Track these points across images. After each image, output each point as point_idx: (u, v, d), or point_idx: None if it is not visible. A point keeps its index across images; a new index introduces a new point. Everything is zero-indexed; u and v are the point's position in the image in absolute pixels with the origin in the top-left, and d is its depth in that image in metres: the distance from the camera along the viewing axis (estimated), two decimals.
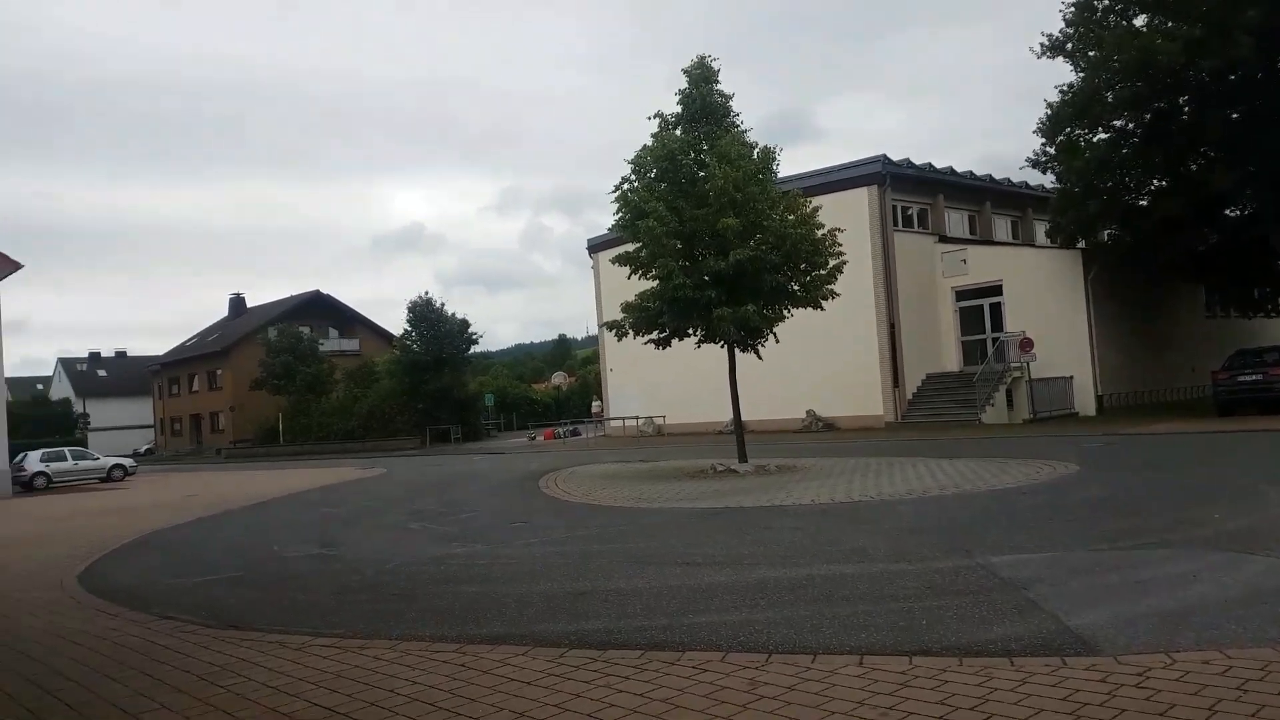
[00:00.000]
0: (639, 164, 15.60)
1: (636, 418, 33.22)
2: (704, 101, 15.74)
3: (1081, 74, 25.06)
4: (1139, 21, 24.09)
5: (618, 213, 15.49)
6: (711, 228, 14.55)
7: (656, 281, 15.13)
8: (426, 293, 45.57)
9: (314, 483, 20.92)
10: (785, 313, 15.23)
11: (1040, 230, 34.00)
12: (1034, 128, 26.61)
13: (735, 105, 15.96)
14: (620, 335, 15.86)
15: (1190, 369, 30.60)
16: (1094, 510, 8.77)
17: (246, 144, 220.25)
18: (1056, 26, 25.40)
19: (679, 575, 6.87)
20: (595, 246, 36.13)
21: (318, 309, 59.70)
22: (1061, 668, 4.14)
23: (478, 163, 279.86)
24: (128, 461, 33.36)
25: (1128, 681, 3.88)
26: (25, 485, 27.68)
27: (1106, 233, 26.89)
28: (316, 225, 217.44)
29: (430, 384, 41.54)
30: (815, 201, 16.20)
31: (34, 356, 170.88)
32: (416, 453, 36.19)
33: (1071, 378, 26.65)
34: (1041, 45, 26.02)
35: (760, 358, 15.46)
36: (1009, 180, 33.43)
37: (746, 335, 14.94)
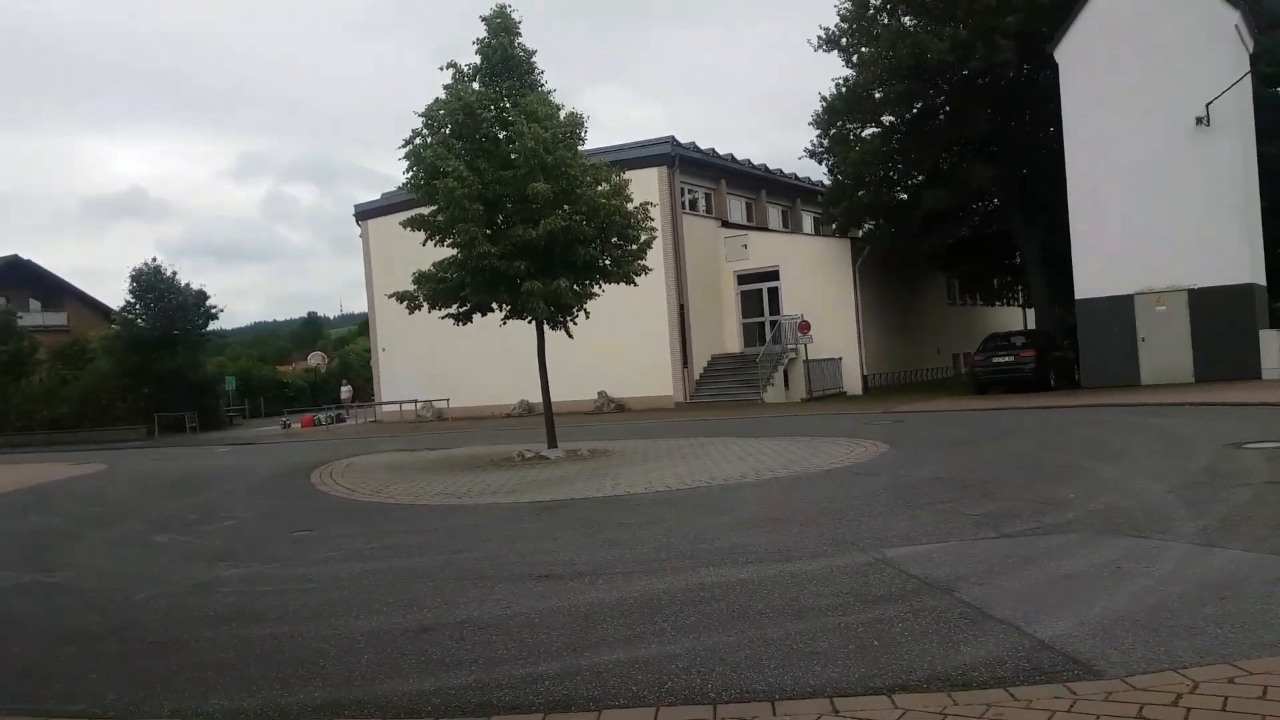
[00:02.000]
0: (431, 116, 13.90)
1: (415, 401, 30.82)
2: (505, 53, 14.29)
3: (854, 69, 26.27)
4: (908, 21, 25.55)
5: (409, 170, 13.69)
6: (519, 192, 13.22)
7: (455, 250, 13.53)
8: (154, 259, 39.46)
9: (16, 482, 16.92)
10: (597, 288, 14.23)
11: (807, 220, 35.80)
12: (809, 120, 27.70)
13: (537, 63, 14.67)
14: (413, 308, 14.03)
15: (936, 351, 33.57)
16: (944, 491, 8.55)
17: None
18: (808, 34, 26.67)
19: (542, 594, 5.58)
20: (365, 213, 33.08)
21: (16, 277, 50.04)
22: (1077, 700, 3.42)
23: (212, 124, 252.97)
24: None
25: (1173, 716, 3.21)
26: None
27: (873, 223, 28.58)
28: (12, 183, 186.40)
29: (159, 364, 35.97)
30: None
31: None
32: (145, 444, 31.23)
33: (840, 359, 28.06)
34: (818, 39, 26.99)
35: (571, 335, 14.34)
36: (781, 171, 34.78)
37: (558, 311, 13.75)
